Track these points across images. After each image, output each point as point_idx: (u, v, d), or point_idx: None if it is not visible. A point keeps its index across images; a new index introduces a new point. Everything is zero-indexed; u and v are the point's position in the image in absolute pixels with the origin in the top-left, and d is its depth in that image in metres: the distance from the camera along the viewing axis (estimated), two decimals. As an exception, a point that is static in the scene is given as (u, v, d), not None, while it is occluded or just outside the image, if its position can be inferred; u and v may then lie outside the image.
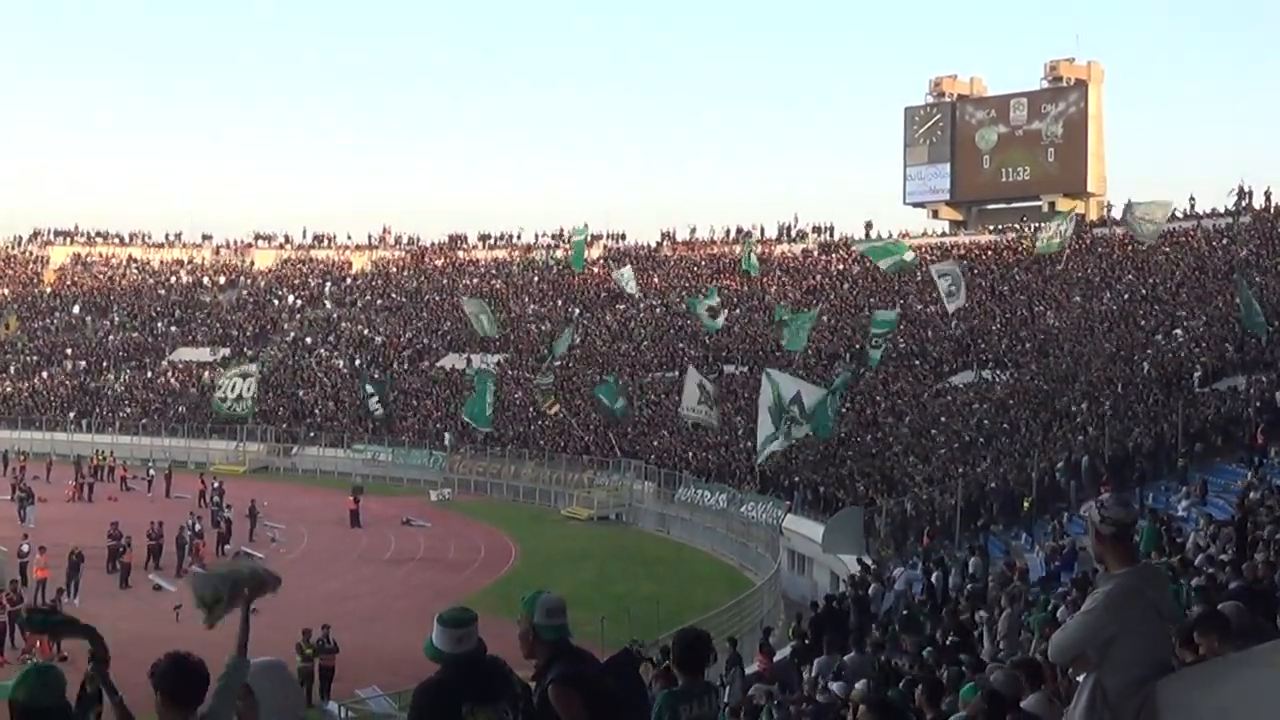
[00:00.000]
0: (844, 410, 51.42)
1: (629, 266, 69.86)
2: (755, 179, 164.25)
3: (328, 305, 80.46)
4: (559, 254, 78.73)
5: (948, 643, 16.88)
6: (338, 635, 25.46)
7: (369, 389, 62.59)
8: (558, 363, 63.19)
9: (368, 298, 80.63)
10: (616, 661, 6.41)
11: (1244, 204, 59.36)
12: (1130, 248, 59.00)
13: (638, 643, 20.60)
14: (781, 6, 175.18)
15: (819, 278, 70.16)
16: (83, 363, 76.28)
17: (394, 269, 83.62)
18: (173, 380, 73.54)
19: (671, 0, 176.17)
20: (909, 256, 59.82)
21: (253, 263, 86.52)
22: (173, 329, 79.26)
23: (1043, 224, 62.82)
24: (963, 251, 67.78)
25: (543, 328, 71.10)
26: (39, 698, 4.78)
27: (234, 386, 63.22)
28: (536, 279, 78.20)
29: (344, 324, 77.93)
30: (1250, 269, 51.24)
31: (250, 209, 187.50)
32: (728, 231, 77.88)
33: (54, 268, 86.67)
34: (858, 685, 14.37)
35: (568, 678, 5.47)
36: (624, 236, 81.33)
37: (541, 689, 5.50)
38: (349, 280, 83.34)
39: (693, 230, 79.68)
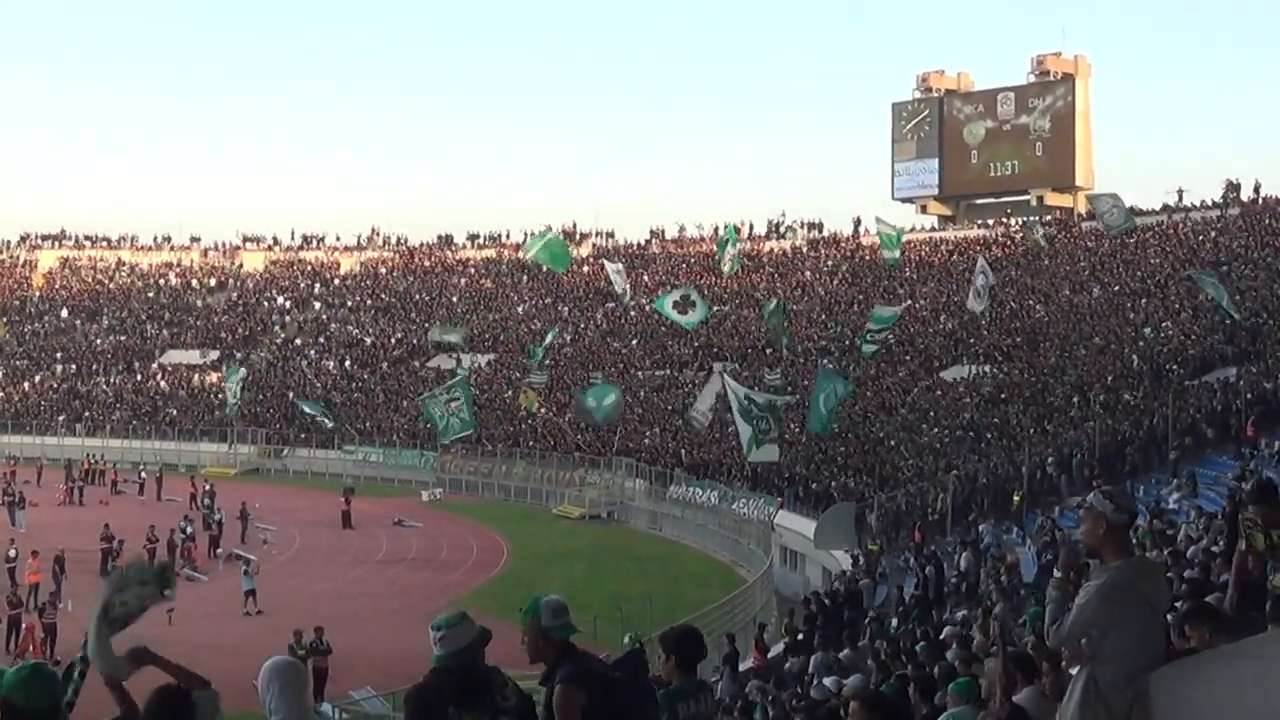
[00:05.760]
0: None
1: (619, 265, 69.58)
2: (743, 176, 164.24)
3: (317, 307, 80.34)
4: (529, 256, 78.37)
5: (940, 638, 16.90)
6: (331, 636, 25.40)
7: (313, 409, 60.83)
8: (535, 365, 62.61)
9: (357, 298, 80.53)
10: (626, 662, 6.43)
11: (1232, 196, 59.53)
12: (1119, 240, 59.11)
13: (636, 638, 20.45)
14: (768, 3, 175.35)
15: (808, 274, 70.27)
16: (72, 366, 76.11)
17: (383, 269, 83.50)
18: (163, 383, 73.44)
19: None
20: (897, 254, 60.26)
21: (241, 265, 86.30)
22: (162, 332, 79.13)
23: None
24: (951, 246, 67.95)
25: (532, 327, 71.11)
26: (32, 699, 4.71)
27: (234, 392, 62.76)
28: (525, 278, 78.15)
29: (333, 325, 77.87)
30: (1239, 261, 51.46)
31: (238, 211, 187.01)
32: (715, 229, 77.96)
33: (42, 271, 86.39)
34: (850, 681, 14.40)
35: (575, 675, 5.54)
36: (613, 234, 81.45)
37: (551, 688, 5.57)
38: (338, 281, 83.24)
39: (681, 228, 79.89)
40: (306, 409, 60.25)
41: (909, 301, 57.78)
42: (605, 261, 70.50)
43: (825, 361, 53.12)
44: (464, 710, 5.22)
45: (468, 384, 55.00)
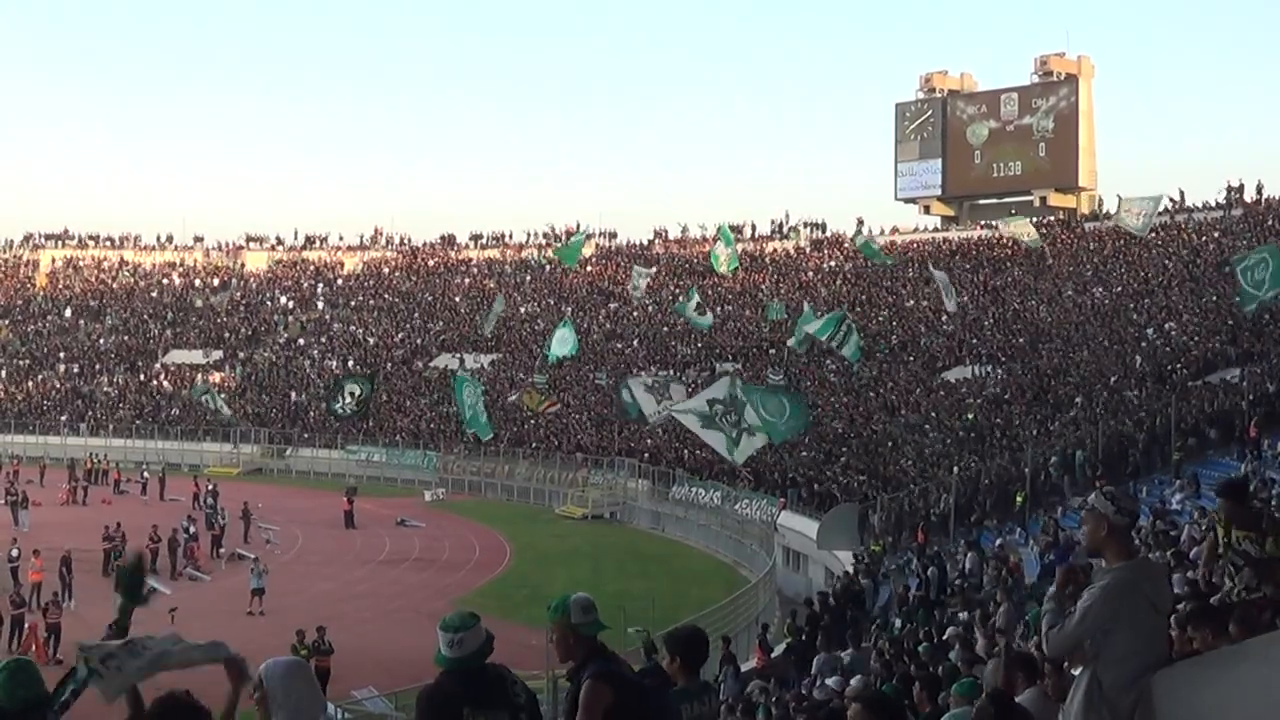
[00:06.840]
0: (838, 406, 51.52)
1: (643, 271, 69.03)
2: (747, 176, 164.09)
3: (320, 306, 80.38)
4: (550, 254, 78.49)
5: (943, 638, 16.90)
6: (333, 636, 25.39)
7: (350, 387, 59.63)
8: (553, 362, 62.31)
9: (360, 298, 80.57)
10: (653, 673, 6.46)
11: (1235, 197, 59.48)
12: (1122, 241, 59.14)
13: (642, 630, 20.34)
14: (771, 3, 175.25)
15: (810, 274, 70.25)
16: (75, 366, 76.19)
17: (386, 269, 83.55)
18: (165, 383, 73.50)
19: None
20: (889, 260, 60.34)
21: (244, 264, 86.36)
22: (165, 332, 79.18)
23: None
24: (954, 247, 67.91)
25: (535, 327, 71.08)
26: (9, 696, 4.67)
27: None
28: (529, 278, 78.17)
29: (336, 325, 77.92)
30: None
31: (241, 211, 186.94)
32: (719, 229, 77.84)
33: (45, 271, 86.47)
34: (853, 681, 14.39)
35: (603, 674, 5.56)
36: (615, 235, 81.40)
37: (578, 685, 5.57)
38: (341, 281, 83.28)
39: (684, 228, 79.88)
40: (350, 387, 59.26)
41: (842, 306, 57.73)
42: (637, 267, 70.11)
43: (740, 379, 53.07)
44: (479, 710, 5.22)
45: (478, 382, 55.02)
